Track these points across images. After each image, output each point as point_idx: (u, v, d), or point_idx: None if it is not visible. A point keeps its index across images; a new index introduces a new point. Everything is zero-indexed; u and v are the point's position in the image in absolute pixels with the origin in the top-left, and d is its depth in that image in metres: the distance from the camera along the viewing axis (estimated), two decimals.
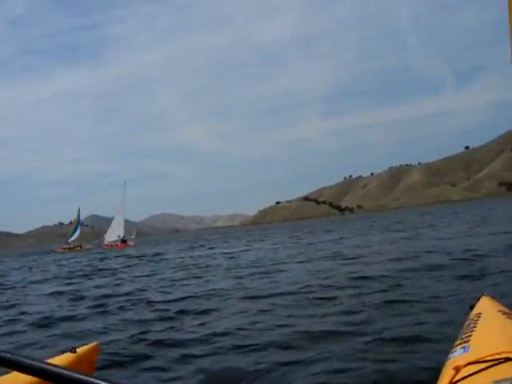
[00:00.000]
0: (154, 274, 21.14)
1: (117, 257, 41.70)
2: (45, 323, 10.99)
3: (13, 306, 14.72)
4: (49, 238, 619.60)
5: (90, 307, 12.73)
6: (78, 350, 3.80)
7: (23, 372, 2.12)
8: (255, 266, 19.39)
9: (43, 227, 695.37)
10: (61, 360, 3.50)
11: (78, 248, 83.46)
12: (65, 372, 1.99)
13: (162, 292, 14.70)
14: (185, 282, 16.62)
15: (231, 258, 26.60)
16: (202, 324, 9.24)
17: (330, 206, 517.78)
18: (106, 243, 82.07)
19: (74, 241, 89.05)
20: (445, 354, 2.86)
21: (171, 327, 9.17)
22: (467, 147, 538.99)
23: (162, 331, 8.88)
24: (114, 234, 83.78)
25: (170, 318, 10.07)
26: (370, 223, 62.50)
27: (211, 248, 41.18)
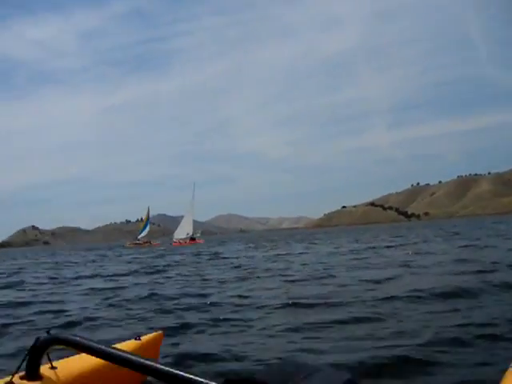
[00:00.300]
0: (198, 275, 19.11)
1: (177, 254, 42.42)
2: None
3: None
4: (116, 234, 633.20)
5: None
6: (142, 337, 4.04)
7: (90, 354, 2.47)
8: (308, 272, 17.10)
9: (110, 224, 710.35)
10: (125, 346, 3.68)
11: (147, 244, 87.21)
12: (128, 356, 2.28)
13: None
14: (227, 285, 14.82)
15: (287, 260, 24.02)
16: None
17: (396, 211, 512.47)
18: (175, 240, 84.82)
19: (144, 237, 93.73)
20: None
21: None
22: None
23: None
24: (183, 231, 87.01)
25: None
26: (438, 230, 61.15)
27: (271, 249, 38.83)
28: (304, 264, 20.59)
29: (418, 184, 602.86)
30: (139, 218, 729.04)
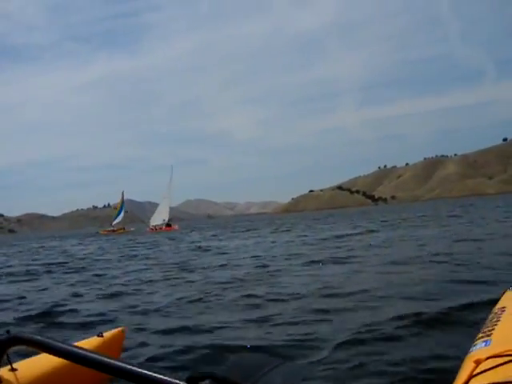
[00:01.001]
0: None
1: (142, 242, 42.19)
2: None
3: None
4: (82, 221, 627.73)
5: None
6: (104, 334, 3.90)
7: (52, 354, 2.37)
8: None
9: (77, 210, 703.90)
10: (88, 344, 3.57)
11: (122, 230, 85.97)
12: (91, 355, 2.24)
13: None
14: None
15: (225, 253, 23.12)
16: None
17: (363, 195, 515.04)
18: (151, 226, 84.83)
19: (118, 223, 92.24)
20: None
21: None
22: (505, 139, 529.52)
23: None
24: (159, 217, 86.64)
25: None
26: (399, 215, 60.68)
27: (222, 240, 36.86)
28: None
29: (386, 166, 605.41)
30: (106, 204, 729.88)
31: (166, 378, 2.00)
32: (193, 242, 35.05)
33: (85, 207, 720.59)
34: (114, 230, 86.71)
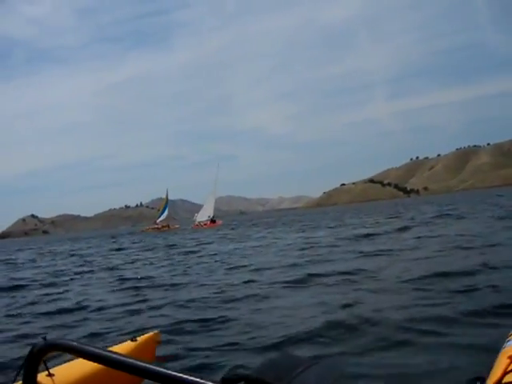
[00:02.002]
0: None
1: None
2: None
3: None
4: (115, 220, 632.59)
5: None
6: (138, 338, 3.89)
7: (87, 359, 2.40)
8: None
9: (110, 210, 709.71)
10: (121, 348, 3.60)
11: (166, 228, 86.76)
12: (125, 359, 2.28)
13: None
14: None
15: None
16: None
17: (395, 188, 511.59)
18: (196, 223, 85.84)
19: (162, 221, 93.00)
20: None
21: None
22: None
23: None
24: (205, 214, 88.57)
25: None
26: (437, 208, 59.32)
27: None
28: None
29: (417, 158, 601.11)
30: (138, 203, 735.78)
31: (200, 380, 2.04)
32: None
33: (117, 207, 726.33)
34: (158, 228, 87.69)
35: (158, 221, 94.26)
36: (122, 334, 7.95)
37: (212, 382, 1.97)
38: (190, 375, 2.07)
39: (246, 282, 12.77)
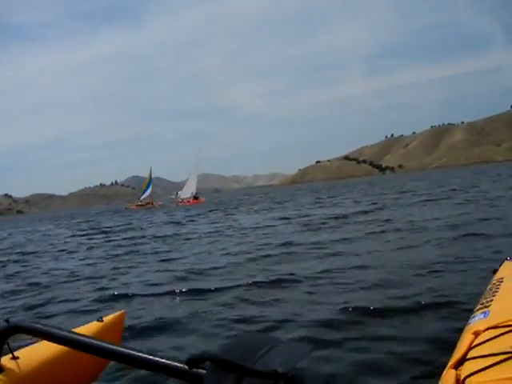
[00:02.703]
0: None
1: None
2: None
3: None
4: (90, 199, 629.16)
5: None
6: (104, 318, 3.83)
7: (52, 341, 2.47)
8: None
9: (85, 189, 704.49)
10: (88, 329, 3.56)
11: (150, 205, 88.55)
12: (90, 341, 2.34)
13: None
14: None
15: None
16: None
17: (370, 165, 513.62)
18: (179, 200, 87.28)
19: (145, 198, 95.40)
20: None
21: None
22: None
23: None
24: (188, 191, 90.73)
25: None
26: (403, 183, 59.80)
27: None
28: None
29: (392, 135, 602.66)
30: (113, 182, 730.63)
31: (166, 361, 2.05)
32: None
33: (92, 185, 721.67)
34: (142, 205, 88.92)
35: (141, 198, 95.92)
36: None
37: (178, 362, 2.01)
38: (156, 356, 2.10)
39: None
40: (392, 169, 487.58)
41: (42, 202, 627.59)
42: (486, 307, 2.78)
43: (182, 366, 1.98)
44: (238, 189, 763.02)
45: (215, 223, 27.19)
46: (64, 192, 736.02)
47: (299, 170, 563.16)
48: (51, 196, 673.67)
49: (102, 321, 3.79)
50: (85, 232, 32.05)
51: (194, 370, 1.88)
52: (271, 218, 26.41)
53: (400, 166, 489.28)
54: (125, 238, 23.05)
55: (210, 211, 42.31)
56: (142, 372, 2.05)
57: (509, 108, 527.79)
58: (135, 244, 19.62)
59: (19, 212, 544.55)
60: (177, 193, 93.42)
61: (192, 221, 32.22)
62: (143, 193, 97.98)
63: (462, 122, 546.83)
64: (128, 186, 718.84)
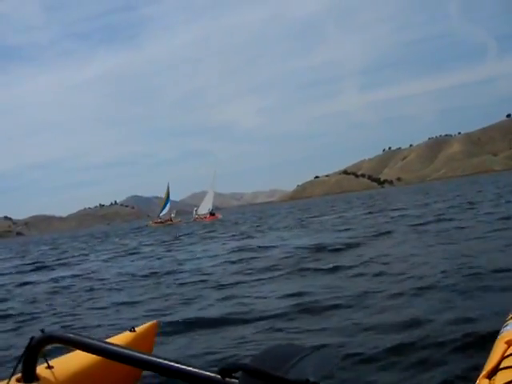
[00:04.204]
0: None
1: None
2: None
3: None
4: (90, 219, 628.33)
5: None
6: (137, 328, 3.85)
7: (86, 351, 2.57)
8: None
9: (84, 210, 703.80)
10: (120, 339, 3.57)
11: (169, 222, 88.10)
12: (122, 350, 2.41)
13: None
14: None
15: None
16: None
17: (369, 179, 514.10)
18: (196, 216, 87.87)
19: (165, 215, 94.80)
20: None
21: None
22: (509, 115, 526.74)
23: None
24: (205, 207, 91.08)
25: None
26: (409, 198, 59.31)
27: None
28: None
29: (390, 148, 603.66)
30: (113, 202, 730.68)
31: (198, 370, 2.09)
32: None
33: (91, 206, 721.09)
34: (162, 222, 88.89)
35: (161, 215, 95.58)
36: None
37: (210, 371, 2.04)
38: (189, 366, 2.14)
39: None
40: (391, 182, 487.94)
41: (41, 224, 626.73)
42: None
43: (214, 375, 2.01)
44: (237, 206, 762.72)
45: None
46: (63, 213, 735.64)
47: (298, 185, 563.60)
48: (50, 217, 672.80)
49: (135, 331, 3.86)
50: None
51: (227, 379, 1.90)
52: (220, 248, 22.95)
53: (398, 179, 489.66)
54: None
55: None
56: (176, 382, 2.08)
57: (504, 117, 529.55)
58: None
59: (19, 234, 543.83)
60: (195, 210, 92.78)
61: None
62: (162, 210, 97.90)
63: (459, 133, 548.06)
64: (127, 206, 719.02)
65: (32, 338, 2.74)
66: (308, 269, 12.77)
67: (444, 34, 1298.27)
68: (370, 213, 37.05)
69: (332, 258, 14.36)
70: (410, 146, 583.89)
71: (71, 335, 2.61)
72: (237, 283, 11.88)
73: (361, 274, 11.03)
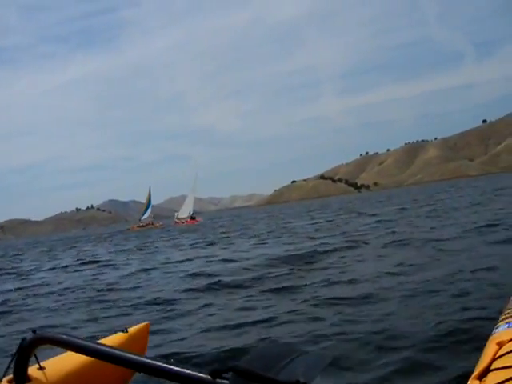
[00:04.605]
0: None
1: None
2: None
3: None
4: (66, 224, 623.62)
5: None
6: (129, 329, 3.78)
7: (77, 352, 2.55)
8: None
9: (61, 214, 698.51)
10: (113, 340, 3.54)
11: (151, 225, 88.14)
12: (115, 351, 2.40)
13: None
14: None
15: None
16: None
17: (346, 183, 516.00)
18: (176, 220, 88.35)
19: (146, 219, 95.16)
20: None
21: None
22: (484, 121, 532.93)
23: None
24: (186, 210, 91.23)
25: None
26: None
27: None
28: None
29: (367, 153, 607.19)
30: (89, 206, 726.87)
31: (190, 372, 2.09)
32: None
33: (68, 210, 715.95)
34: (143, 226, 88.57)
35: (142, 218, 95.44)
36: None
37: (201, 372, 2.05)
38: (181, 367, 2.14)
39: None
40: (367, 187, 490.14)
41: (17, 228, 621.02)
42: (510, 317, 2.75)
43: (205, 376, 2.01)
44: (215, 210, 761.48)
45: None
46: (39, 217, 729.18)
47: (275, 190, 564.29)
48: (26, 221, 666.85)
49: (127, 332, 3.76)
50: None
51: (218, 380, 1.91)
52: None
53: (375, 184, 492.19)
54: None
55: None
56: (167, 382, 1.99)
57: (480, 123, 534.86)
58: None
59: None
60: (176, 214, 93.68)
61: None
62: (143, 214, 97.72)
63: (436, 138, 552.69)
64: (104, 210, 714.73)
65: (24, 339, 2.71)
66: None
67: (422, 40, 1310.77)
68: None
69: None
70: (387, 150, 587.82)
71: (63, 336, 2.59)
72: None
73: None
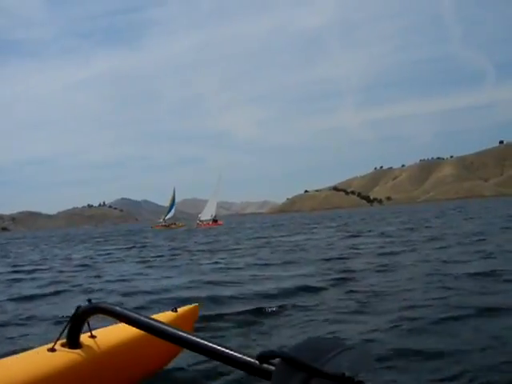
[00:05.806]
0: None
1: None
2: None
3: None
4: (78, 219, 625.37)
5: None
6: (179, 309, 4.00)
7: (129, 324, 2.70)
8: None
9: (73, 209, 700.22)
10: (162, 317, 3.64)
11: (173, 226, 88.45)
12: (165, 327, 2.53)
13: None
14: None
15: None
16: None
17: (358, 196, 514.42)
18: (199, 222, 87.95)
19: (170, 219, 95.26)
20: None
21: None
22: (502, 141, 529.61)
23: None
24: (208, 213, 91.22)
25: None
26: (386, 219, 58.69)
27: None
28: None
29: (382, 167, 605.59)
30: (101, 203, 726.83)
31: (237, 354, 2.15)
32: None
33: (80, 206, 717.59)
34: (166, 225, 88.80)
35: (166, 218, 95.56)
36: None
37: (248, 356, 2.09)
38: (227, 348, 2.20)
39: None
40: (380, 201, 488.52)
41: (28, 220, 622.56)
42: None
43: (252, 360, 2.05)
44: (226, 215, 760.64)
45: None
46: (52, 211, 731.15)
47: (287, 199, 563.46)
48: (38, 214, 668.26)
49: (177, 311, 3.95)
50: None
51: (264, 365, 1.95)
52: None
53: (388, 198, 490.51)
54: None
55: None
56: (213, 362, 2.00)
57: (497, 143, 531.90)
58: None
59: (4, 229, 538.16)
60: (198, 215, 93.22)
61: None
62: (167, 213, 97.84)
63: (451, 157, 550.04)
64: (116, 208, 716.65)
65: (78, 307, 2.92)
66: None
67: (444, 57, 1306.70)
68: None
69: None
70: (402, 166, 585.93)
71: (117, 308, 2.74)
72: None
73: None
